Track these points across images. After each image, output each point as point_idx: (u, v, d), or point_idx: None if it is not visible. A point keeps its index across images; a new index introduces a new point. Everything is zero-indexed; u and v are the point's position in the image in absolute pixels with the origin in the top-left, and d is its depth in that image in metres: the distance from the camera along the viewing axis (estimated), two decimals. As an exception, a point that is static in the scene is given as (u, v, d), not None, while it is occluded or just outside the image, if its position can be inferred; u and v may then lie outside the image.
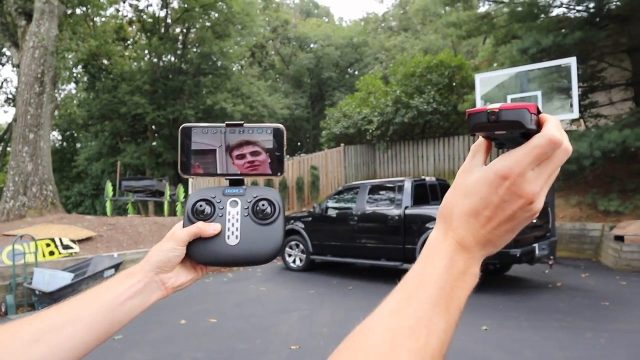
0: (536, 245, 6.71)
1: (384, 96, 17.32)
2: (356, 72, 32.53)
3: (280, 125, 0.69)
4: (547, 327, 5.06)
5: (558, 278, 7.61)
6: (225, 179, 0.70)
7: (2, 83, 31.45)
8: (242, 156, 0.68)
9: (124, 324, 0.61)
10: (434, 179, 8.45)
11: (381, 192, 8.07)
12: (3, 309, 6.86)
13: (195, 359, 4.45)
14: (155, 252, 0.64)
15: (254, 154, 0.69)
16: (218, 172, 0.69)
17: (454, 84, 17.01)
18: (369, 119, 17.29)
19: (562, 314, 5.57)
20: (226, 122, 0.68)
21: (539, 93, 8.41)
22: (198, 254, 0.65)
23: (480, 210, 0.45)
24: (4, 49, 26.67)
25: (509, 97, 8.74)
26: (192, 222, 0.66)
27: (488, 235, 0.46)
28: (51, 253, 8.53)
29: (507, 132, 0.46)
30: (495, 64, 16.44)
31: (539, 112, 0.47)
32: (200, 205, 0.66)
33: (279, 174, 0.69)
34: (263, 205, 0.66)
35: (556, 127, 0.45)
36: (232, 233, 0.65)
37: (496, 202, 0.44)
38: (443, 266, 0.45)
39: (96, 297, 0.59)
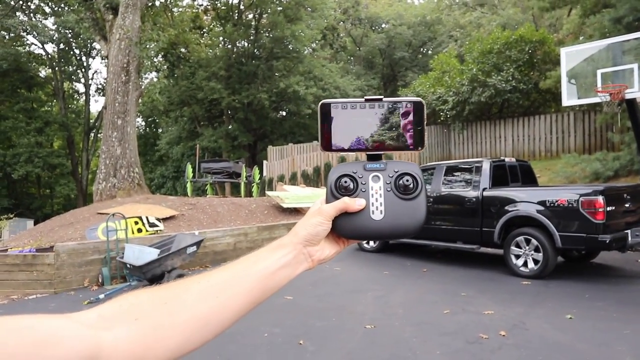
0: (629, 231, 6.23)
1: (459, 75, 16.71)
2: (429, 52, 31.60)
3: (420, 99, 0.68)
4: (641, 318, 4.72)
5: (653, 266, 7.05)
6: (366, 154, 0.70)
7: (93, 74, 33.73)
8: (381, 131, 0.69)
9: (274, 292, 0.65)
10: (513, 159, 8.08)
11: (458, 174, 7.84)
12: (100, 280, 7.48)
13: (273, 334, 4.61)
14: (302, 226, 0.67)
15: (393, 128, 0.69)
16: (358, 147, 0.69)
17: (535, 60, 16.06)
18: (444, 99, 16.79)
19: (658, 305, 5.17)
20: (365, 97, 0.69)
21: (635, 66, 7.71)
22: (344, 228, 0.67)
23: None
24: (94, 43, 28.58)
25: (599, 72, 8.10)
26: (336, 198, 0.67)
27: None
28: (139, 230, 9.14)
29: None
30: (581, 37, 15.29)
31: None
32: (345, 182, 0.67)
33: (419, 147, 0.69)
34: (407, 180, 0.67)
35: None
36: (377, 208, 0.66)
37: None
38: None
39: (251, 265, 0.64)
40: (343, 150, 0.69)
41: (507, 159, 7.89)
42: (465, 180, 7.62)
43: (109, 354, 0.48)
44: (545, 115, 15.65)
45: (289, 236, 0.67)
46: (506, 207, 6.85)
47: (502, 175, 7.53)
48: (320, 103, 0.69)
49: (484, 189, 7.21)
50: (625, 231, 6.19)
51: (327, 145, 0.70)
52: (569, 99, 8.75)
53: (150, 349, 0.52)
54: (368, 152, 0.70)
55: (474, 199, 7.26)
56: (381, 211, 0.66)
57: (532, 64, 16.10)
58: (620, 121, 10.54)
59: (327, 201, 0.67)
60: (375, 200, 0.66)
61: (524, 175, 7.89)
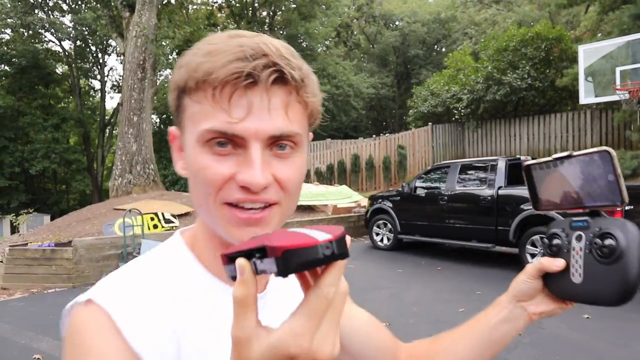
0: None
1: (474, 73, 16.59)
2: (444, 49, 31.40)
3: (607, 148, 0.62)
4: (659, 318, 4.66)
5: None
6: (572, 213, 0.68)
7: (109, 71, 34.06)
8: (577, 186, 0.66)
9: (502, 345, 0.74)
10: (529, 158, 8.02)
11: (472, 172, 7.81)
12: (117, 276, 7.58)
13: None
14: (514, 283, 0.72)
15: (586, 182, 0.64)
16: (565, 205, 0.68)
17: (552, 57, 15.86)
18: (458, 97, 16.68)
19: (677, 305, 5.09)
20: (553, 157, 0.68)
21: (654, 64, 7.63)
22: (551, 286, 0.67)
23: None
24: (110, 40, 28.88)
25: (618, 69, 8.01)
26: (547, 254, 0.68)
27: None
28: (155, 226, 9.25)
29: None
30: (599, 34, 15.09)
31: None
32: (554, 241, 0.67)
33: (618, 202, 0.61)
34: (608, 241, 0.60)
35: (330, 278, 0.40)
36: (576, 270, 0.63)
37: None
38: None
39: (476, 322, 0.76)
40: (552, 209, 0.70)
41: (523, 157, 7.84)
42: (480, 179, 7.59)
43: None
44: (561, 114, 15.46)
45: (506, 293, 0.74)
46: (522, 206, 6.81)
47: (518, 173, 7.47)
48: (523, 166, 0.73)
49: (499, 188, 7.18)
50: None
51: (536, 205, 0.73)
52: (586, 97, 8.67)
53: None
54: (569, 210, 0.69)
55: (489, 198, 7.23)
56: (580, 274, 0.63)
57: (548, 62, 15.91)
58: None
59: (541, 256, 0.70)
60: (575, 261, 0.63)
61: (540, 173, 7.82)
